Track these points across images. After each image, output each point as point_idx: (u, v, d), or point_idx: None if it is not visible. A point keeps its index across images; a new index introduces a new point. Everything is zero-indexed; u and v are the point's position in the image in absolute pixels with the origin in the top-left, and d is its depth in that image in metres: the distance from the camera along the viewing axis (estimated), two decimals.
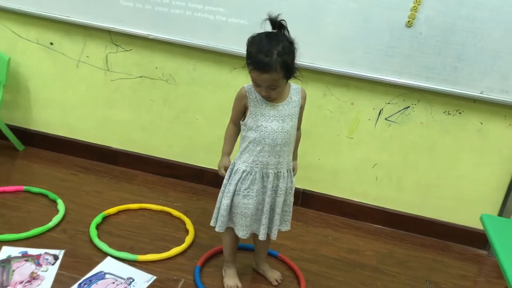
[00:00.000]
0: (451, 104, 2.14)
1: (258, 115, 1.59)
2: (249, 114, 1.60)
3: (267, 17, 1.54)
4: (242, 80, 2.24)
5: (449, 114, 2.16)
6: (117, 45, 2.33)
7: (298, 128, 1.73)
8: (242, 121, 1.64)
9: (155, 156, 2.53)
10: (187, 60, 2.29)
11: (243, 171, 1.62)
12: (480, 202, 2.27)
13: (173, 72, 2.33)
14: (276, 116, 1.59)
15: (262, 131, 1.59)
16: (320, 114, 2.26)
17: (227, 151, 1.72)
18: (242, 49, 2.14)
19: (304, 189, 2.42)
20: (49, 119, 2.57)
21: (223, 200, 1.66)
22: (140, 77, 2.37)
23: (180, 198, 2.36)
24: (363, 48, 2.08)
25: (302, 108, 1.68)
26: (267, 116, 1.59)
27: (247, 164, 1.62)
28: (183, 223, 2.14)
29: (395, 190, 2.35)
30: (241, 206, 1.64)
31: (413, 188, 2.32)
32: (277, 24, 1.52)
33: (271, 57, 1.45)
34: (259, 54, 1.47)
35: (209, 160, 2.45)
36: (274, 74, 1.47)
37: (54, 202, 2.15)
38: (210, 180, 2.45)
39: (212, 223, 1.72)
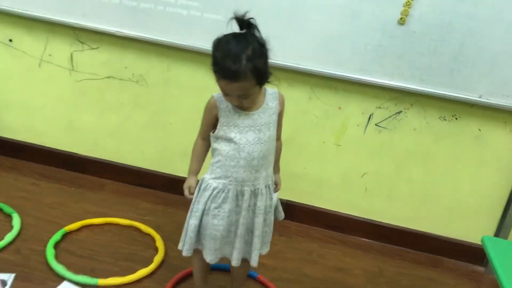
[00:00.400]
0: (447, 108, 1.96)
1: (230, 126, 1.39)
2: (220, 125, 1.40)
3: (233, 16, 1.34)
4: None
5: (444, 119, 1.98)
6: (82, 43, 2.12)
7: (278, 138, 1.54)
8: (213, 133, 1.44)
9: (125, 163, 2.32)
10: (161, 59, 2.09)
11: (214, 188, 1.42)
12: (477, 214, 2.10)
13: (145, 72, 2.13)
14: (252, 126, 1.39)
15: (236, 144, 1.39)
16: (305, 119, 2.07)
17: (195, 169, 1.52)
18: None
19: (287, 200, 2.23)
20: (9, 123, 2.35)
21: (191, 220, 1.46)
22: (108, 77, 2.16)
23: (152, 211, 2.15)
24: (352, 47, 1.89)
25: (280, 114, 1.49)
26: (241, 126, 1.39)
27: (219, 181, 1.43)
28: (153, 240, 1.94)
29: (386, 202, 2.17)
30: (210, 227, 1.44)
31: (405, 199, 2.14)
32: (245, 24, 1.32)
33: (240, 63, 1.25)
34: (226, 60, 1.26)
35: (185, 168, 2.18)
36: (244, 82, 1.27)
37: (9, 216, 1.93)
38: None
39: (179, 246, 1.52)
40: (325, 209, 2.22)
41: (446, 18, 1.79)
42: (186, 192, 1.50)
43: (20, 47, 2.18)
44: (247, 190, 1.43)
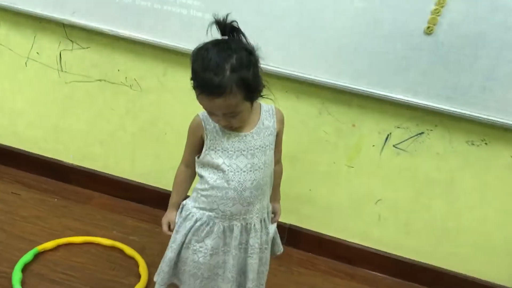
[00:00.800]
0: (476, 132, 1.72)
1: (218, 150, 1.18)
2: (206, 148, 1.19)
3: (213, 20, 1.14)
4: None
5: (472, 144, 1.74)
6: (72, 41, 1.93)
7: (278, 162, 1.32)
8: (198, 157, 1.23)
9: (114, 175, 2.11)
10: (156, 63, 1.88)
11: (197, 220, 1.21)
12: (506, 252, 1.84)
13: (139, 76, 1.92)
14: (244, 151, 1.18)
15: (224, 172, 1.18)
16: (313, 136, 1.85)
17: (175, 202, 1.31)
18: None
19: (290, 225, 2.01)
20: None
21: (167, 251, 1.25)
22: (99, 80, 1.96)
23: (138, 230, 1.94)
24: (370, 58, 1.66)
25: (279, 135, 1.27)
26: (231, 151, 1.17)
27: (203, 212, 1.22)
28: (137, 264, 1.72)
29: (402, 233, 1.92)
30: (189, 263, 1.23)
31: (423, 231, 1.90)
32: (228, 29, 1.13)
33: (223, 74, 1.04)
34: (206, 73, 1.06)
35: None
36: (230, 97, 1.06)
37: None
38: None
39: (154, 277, 1.31)
40: (332, 237, 1.99)
41: (479, 28, 1.56)
42: (165, 228, 1.30)
43: (5, 44, 1.99)
44: (236, 225, 1.21)
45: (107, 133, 2.05)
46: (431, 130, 1.75)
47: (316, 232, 2.00)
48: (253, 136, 1.19)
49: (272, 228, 1.34)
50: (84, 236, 1.80)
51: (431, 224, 1.88)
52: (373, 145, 1.82)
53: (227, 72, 1.05)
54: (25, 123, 2.12)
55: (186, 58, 1.84)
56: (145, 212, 2.05)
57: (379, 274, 1.98)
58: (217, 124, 1.18)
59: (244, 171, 1.18)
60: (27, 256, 1.63)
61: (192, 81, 1.11)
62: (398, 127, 1.77)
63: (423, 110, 1.71)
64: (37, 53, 1.98)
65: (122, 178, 2.11)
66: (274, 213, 1.36)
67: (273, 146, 1.24)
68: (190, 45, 1.79)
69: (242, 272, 1.28)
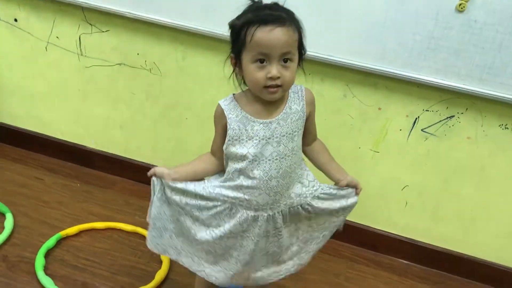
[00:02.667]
0: (510, 115, 1.62)
1: (242, 140, 1.12)
2: (229, 139, 1.14)
3: (250, 2, 1.10)
4: (228, 71, 1.79)
5: (506, 128, 1.65)
6: (91, 25, 1.90)
7: (314, 139, 1.28)
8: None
9: (135, 159, 2.10)
10: (175, 46, 1.84)
11: (222, 202, 1.17)
12: None
13: (158, 60, 1.89)
14: (269, 139, 1.12)
15: (249, 162, 1.13)
16: (338, 120, 1.78)
17: (180, 169, 1.22)
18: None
19: None
20: (15, 110, 2.16)
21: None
22: (119, 64, 1.94)
23: None
24: (397, 38, 1.58)
25: (310, 117, 1.21)
26: (255, 139, 1.12)
27: (226, 199, 1.17)
28: None
29: (430, 220, 1.86)
30: (204, 242, 1.21)
31: (452, 219, 1.83)
32: None
33: (281, 11, 1.05)
34: (262, 11, 1.05)
35: None
36: (290, 30, 1.04)
37: (2, 215, 1.75)
38: None
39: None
40: (357, 223, 1.93)
41: None
42: (150, 172, 1.26)
43: (26, 28, 1.97)
44: (262, 215, 1.16)
45: (128, 117, 2.03)
46: (462, 113, 1.66)
47: None
48: (279, 123, 1.13)
49: (353, 200, 1.30)
50: (106, 222, 1.80)
51: (460, 212, 1.81)
52: (400, 129, 1.74)
53: (284, 14, 1.05)
54: (46, 107, 2.12)
55: (206, 41, 1.81)
56: None
57: (405, 261, 1.92)
58: (239, 113, 1.13)
59: (269, 160, 1.12)
60: (50, 242, 1.64)
61: (239, 33, 1.07)
62: (427, 110, 1.69)
63: (453, 92, 1.62)
64: (57, 37, 1.96)
65: (143, 163, 2.09)
66: (354, 185, 1.29)
67: (301, 132, 1.18)
68: (210, 28, 1.76)
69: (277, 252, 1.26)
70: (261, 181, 1.13)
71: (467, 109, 1.66)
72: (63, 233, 1.70)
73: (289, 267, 1.32)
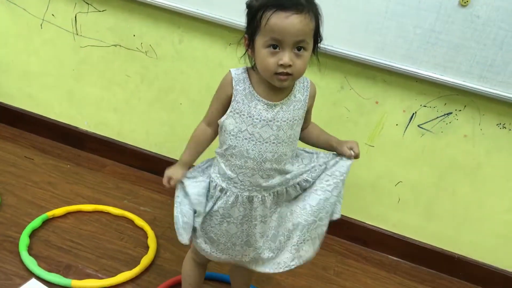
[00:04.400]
0: (509, 115, 1.60)
1: (243, 115, 1.09)
2: (230, 111, 1.10)
3: None
4: (237, 59, 1.76)
5: (503, 127, 1.63)
6: (88, 4, 1.86)
7: (309, 123, 1.25)
8: (220, 119, 1.15)
9: (129, 143, 2.07)
10: (173, 29, 1.81)
11: (215, 186, 1.16)
12: None
13: (155, 42, 1.85)
14: (270, 121, 1.09)
15: (246, 139, 1.10)
16: (334, 112, 1.76)
17: (186, 160, 1.21)
18: (240, 21, 1.67)
19: None
20: (7, 88, 2.13)
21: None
22: (115, 45, 1.90)
23: (150, 200, 1.90)
24: (398, 30, 1.55)
25: (309, 110, 1.19)
26: (256, 119, 1.09)
27: (222, 179, 1.15)
28: (146, 235, 1.70)
29: (422, 217, 1.84)
30: (206, 227, 1.19)
31: (445, 217, 1.81)
32: None
33: None
34: None
35: None
36: (307, 17, 1.00)
37: None
38: None
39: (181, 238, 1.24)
40: (348, 217, 1.91)
41: None
42: (164, 181, 1.21)
43: (21, 4, 1.93)
44: (257, 196, 1.14)
45: (122, 100, 2.00)
46: (460, 110, 1.64)
47: None
48: (282, 107, 1.10)
49: (346, 164, 1.22)
50: (94, 205, 1.77)
51: (453, 210, 1.78)
52: (397, 124, 1.72)
53: (302, 0, 1.01)
54: (39, 86, 2.09)
55: (203, 25, 1.77)
56: (158, 182, 1.97)
57: (395, 258, 1.90)
58: (247, 87, 1.09)
59: (266, 142, 1.10)
60: (36, 222, 1.61)
61: (256, 14, 1.02)
62: (425, 106, 1.66)
63: (452, 88, 1.60)
64: (53, 15, 1.92)
65: (136, 147, 2.06)
66: (350, 146, 1.22)
67: (301, 122, 1.16)
68: (208, 11, 1.72)
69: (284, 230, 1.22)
70: (255, 162, 1.11)
71: (465, 106, 1.63)
72: (50, 213, 1.67)
73: (288, 261, 1.26)
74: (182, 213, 1.19)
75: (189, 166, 1.21)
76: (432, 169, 1.75)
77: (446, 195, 1.77)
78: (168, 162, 2.03)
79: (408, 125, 1.71)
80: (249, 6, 1.05)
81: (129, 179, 2.01)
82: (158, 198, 1.92)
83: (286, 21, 0.98)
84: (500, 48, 1.50)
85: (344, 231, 1.92)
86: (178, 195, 1.20)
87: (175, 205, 1.21)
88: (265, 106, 1.10)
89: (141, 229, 1.72)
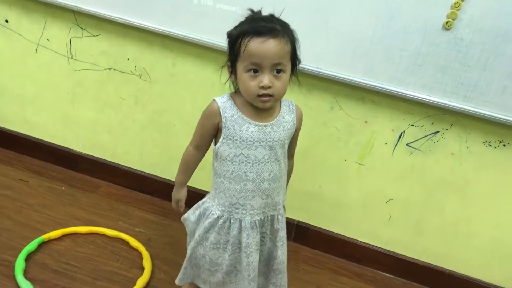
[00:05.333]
0: (494, 133, 1.65)
1: (236, 140, 1.14)
2: (223, 138, 1.16)
3: (249, 11, 1.14)
4: (230, 81, 1.80)
5: (489, 145, 1.68)
6: (83, 29, 1.90)
7: (291, 157, 1.29)
8: (214, 145, 1.20)
9: (123, 165, 2.09)
10: (166, 53, 1.85)
11: (218, 217, 1.20)
12: None
13: (148, 66, 1.89)
14: (262, 141, 1.15)
15: (242, 163, 1.15)
16: (324, 131, 1.80)
17: (182, 181, 1.30)
18: None
19: (299, 221, 1.97)
20: (3, 111, 2.15)
21: (188, 250, 1.28)
22: (109, 69, 1.94)
23: (145, 221, 1.92)
24: (385, 53, 1.60)
25: (296, 132, 1.25)
26: (250, 141, 1.14)
27: (223, 209, 1.20)
28: (141, 256, 1.71)
29: (412, 233, 1.87)
30: (208, 260, 1.24)
31: (435, 233, 1.84)
32: None
33: (275, 23, 1.07)
34: (257, 23, 1.07)
35: None
36: (282, 41, 1.06)
37: None
38: (188, 199, 2.02)
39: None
40: (341, 235, 1.94)
41: (501, 24, 1.48)
42: (174, 205, 1.33)
43: (16, 29, 1.97)
44: (258, 220, 1.20)
45: (116, 122, 2.03)
46: (447, 129, 1.69)
47: (325, 230, 1.95)
48: (273, 128, 1.16)
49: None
50: (90, 226, 1.78)
51: (443, 227, 1.82)
52: (386, 143, 1.76)
53: (278, 26, 1.07)
54: (34, 109, 2.11)
55: (196, 49, 1.82)
56: (153, 203, 2.03)
57: (387, 274, 1.93)
58: (235, 113, 1.14)
59: (262, 162, 1.15)
60: (31, 245, 1.62)
61: (236, 42, 1.10)
62: (412, 125, 1.71)
63: (439, 108, 1.64)
64: (48, 39, 1.96)
65: (130, 168, 2.09)
66: None
67: (289, 142, 1.22)
68: (200, 35, 1.77)
69: (269, 260, 1.29)
70: (254, 183, 1.16)
71: (452, 125, 1.68)
72: (45, 236, 1.68)
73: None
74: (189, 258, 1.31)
75: (185, 185, 1.32)
76: (421, 187, 1.79)
77: (435, 211, 1.81)
78: (162, 183, 2.08)
79: (397, 144, 1.75)
80: (229, 35, 1.12)
81: (124, 200, 2.03)
82: (153, 218, 1.94)
83: (263, 46, 1.04)
84: (483, 69, 1.55)
85: (337, 249, 1.95)
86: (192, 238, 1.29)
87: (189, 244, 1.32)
88: (257, 127, 1.14)
89: (136, 250, 1.74)
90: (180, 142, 1.97)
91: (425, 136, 1.71)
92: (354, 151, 1.81)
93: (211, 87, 1.83)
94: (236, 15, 1.63)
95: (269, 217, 1.24)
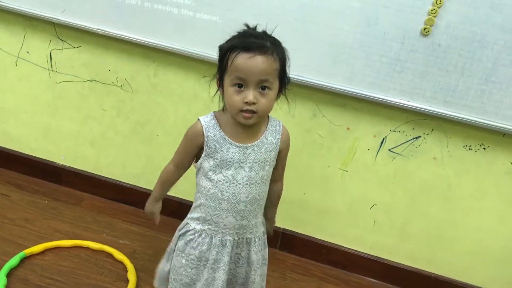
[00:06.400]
0: (474, 137, 1.68)
1: (216, 159, 1.14)
2: (205, 156, 1.16)
3: (244, 26, 1.13)
4: (212, 91, 1.79)
5: (470, 149, 1.70)
6: (63, 41, 1.89)
7: (279, 179, 1.29)
8: (195, 162, 1.20)
9: (106, 176, 2.07)
10: (147, 63, 1.84)
11: (189, 230, 1.21)
12: (503, 260, 1.80)
13: (130, 77, 1.88)
14: (242, 163, 1.14)
15: (220, 181, 1.15)
16: (308, 139, 1.80)
17: (159, 195, 1.31)
18: (212, 53, 1.72)
19: (284, 229, 1.96)
20: None
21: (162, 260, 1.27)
22: (90, 80, 1.93)
23: (129, 233, 1.90)
24: (365, 59, 1.62)
25: (282, 154, 1.24)
26: (229, 162, 1.14)
27: (197, 222, 1.20)
28: (126, 269, 1.69)
29: (397, 238, 1.88)
30: (181, 272, 1.21)
31: (419, 237, 1.85)
32: None
33: (266, 40, 1.06)
34: (247, 38, 1.07)
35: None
36: (270, 59, 1.05)
37: None
38: (172, 210, 2.00)
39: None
40: (326, 242, 1.94)
41: (478, 30, 1.51)
42: (149, 217, 1.35)
43: None
44: (229, 240, 1.19)
45: (98, 134, 2.01)
46: (428, 134, 1.70)
47: (310, 237, 1.95)
48: (254, 149, 1.15)
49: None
50: (73, 240, 1.76)
51: (427, 231, 1.84)
52: (368, 149, 1.77)
53: (268, 43, 1.07)
54: (15, 123, 2.08)
55: (177, 59, 1.82)
56: (136, 214, 2.01)
57: (374, 280, 1.93)
58: (217, 132, 1.14)
59: (239, 184, 1.14)
60: (13, 261, 1.59)
61: (226, 55, 1.09)
62: (394, 131, 1.73)
63: (419, 113, 1.66)
64: (27, 52, 1.94)
65: (113, 179, 2.07)
66: (268, 232, 1.32)
67: (273, 163, 1.20)
68: (181, 45, 1.77)
69: (243, 285, 1.27)
70: (229, 203, 1.15)
71: (432, 130, 1.70)
72: (28, 251, 1.65)
73: None
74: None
75: (161, 199, 1.34)
76: (405, 192, 1.81)
77: (419, 216, 1.82)
78: (146, 194, 2.04)
79: (379, 149, 1.77)
80: (220, 48, 1.12)
81: (107, 212, 2.00)
82: (137, 230, 1.93)
83: (250, 62, 1.04)
84: (461, 74, 1.57)
85: (323, 256, 1.95)
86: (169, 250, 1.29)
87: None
88: (238, 149, 1.14)
89: (121, 262, 1.72)
90: (163, 153, 1.96)
91: (407, 141, 1.73)
92: (337, 157, 1.82)
93: (194, 97, 1.83)
94: (217, 25, 1.67)
95: (245, 240, 1.22)
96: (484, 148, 1.68)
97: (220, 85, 1.13)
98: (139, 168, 2.03)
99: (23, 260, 1.64)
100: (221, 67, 1.11)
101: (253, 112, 1.08)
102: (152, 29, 1.75)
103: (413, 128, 1.71)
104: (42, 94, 2.00)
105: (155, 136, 1.95)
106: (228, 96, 1.09)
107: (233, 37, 1.12)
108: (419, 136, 1.72)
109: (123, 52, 1.84)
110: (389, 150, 1.76)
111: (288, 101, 1.20)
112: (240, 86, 1.07)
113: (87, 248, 1.76)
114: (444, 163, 1.73)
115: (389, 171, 1.79)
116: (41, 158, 2.12)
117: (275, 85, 1.10)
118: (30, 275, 1.59)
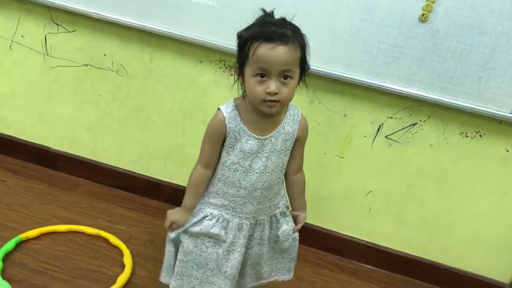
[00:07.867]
0: (471, 124, 1.67)
1: (236, 149, 1.15)
2: (225, 146, 1.17)
3: (262, 11, 1.11)
4: (209, 76, 1.78)
5: (466, 136, 1.70)
6: (58, 25, 1.87)
7: (299, 170, 1.29)
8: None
9: (102, 162, 2.07)
10: (143, 48, 1.83)
11: (206, 215, 1.22)
12: (499, 247, 1.81)
13: (125, 62, 1.87)
14: (259, 153, 1.15)
15: (237, 171, 1.16)
16: None
17: (190, 205, 1.24)
18: (209, 38, 1.71)
19: None
20: None
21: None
22: (86, 65, 1.91)
23: (125, 218, 1.90)
24: (363, 46, 1.61)
25: (300, 142, 1.24)
26: (247, 152, 1.15)
27: (214, 207, 1.22)
28: (121, 254, 1.70)
29: (393, 225, 1.89)
30: (196, 252, 1.24)
31: (416, 224, 1.86)
32: None
33: (286, 28, 1.05)
34: (267, 27, 1.05)
35: (167, 172, 2.00)
36: (292, 48, 1.04)
37: None
38: (168, 196, 2.00)
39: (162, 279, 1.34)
40: (322, 228, 1.95)
41: (476, 16, 1.50)
42: (166, 224, 1.25)
43: None
44: (246, 223, 1.21)
45: (94, 119, 2.00)
46: (425, 121, 1.70)
47: (306, 223, 1.94)
48: (271, 140, 1.16)
49: (287, 230, 1.31)
50: (69, 225, 1.76)
51: (424, 217, 1.84)
52: (365, 136, 1.77)
53: (288, 31, 1.05)
54: (10, 108, 2.07)
55: (174, 43, 1.80)
56: (133, 200, 2.01)
57: (369, 266, 1.94)
58: (238, 124, 1.14)
59: (257, 173, 1.16)
60: (9, 245, 1.59)
61: (246, 44, 1.07)
62: (391, 118, 1.72)
63: (416, 100, 1.66)
64: (22, 36, 1.92)
65: (109, 165, 2.06)
66: (297, 220, 1.34)
67: (289, 151, 1.21)
68: (178, 29, 1.75)
69: (256, 263, 1.31)
70: (247, 191, 1.18)
71: (429, 117, 1.69)
72: (23, 236, 1.65)
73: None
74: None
75: (192, 210, 1.25)
76: (401, 178, 1.81)
77: (415, 203, 1.83)
78: (142, 180, 2.07)
79: (376, 136, 1.76)
80: (239, 37, 1.10)
81: (103, 198, 2.00)
82: (133, 215, 1.93)
83: (272, 52, 1.03)
84: (459, 60, 1.56)
85: (318, 241, 1.96)
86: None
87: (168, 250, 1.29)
88: (256, 141, 1.15)
89: (117, 247, 1.72)
90: (160, 138, 1.96)
91: (404, 128, 1.73)
92: (334, 144, 1.81)
93: (190, 82, 1.82)
94: (213, 9, 1.65)
95: (259, 221, 1.25)
96: (481, 135, 1.68)
97: (240, 73, 1.12)
98: (135, 153, 2.02)
99: (19, 245, 1.64)
100: (241, 56, 1.09)
101: (276, 101, 1.08)
102: (148, 13, 1.73)
103: (410, 115, 1.70)
104: (37, 78, 1.98)
105: (151, 122, 1.94)
106: (250, 86, 1.09)
107: (253, 25, 1.10)
108: (416, 123, 1.71)
109: (118, 37, 1.82)
110: (385, 137, 1.75)
111: (307, 87, 1.21)
112: (262, 76, 1.06)
113: (83, 233, 1.76)
114: (440, 150, 1.73)
115: (386, 158, 1.78)
116: (37, 143, 2.10)
117: (297, 73, 1.09)
118: (25, 260, 1.59)
